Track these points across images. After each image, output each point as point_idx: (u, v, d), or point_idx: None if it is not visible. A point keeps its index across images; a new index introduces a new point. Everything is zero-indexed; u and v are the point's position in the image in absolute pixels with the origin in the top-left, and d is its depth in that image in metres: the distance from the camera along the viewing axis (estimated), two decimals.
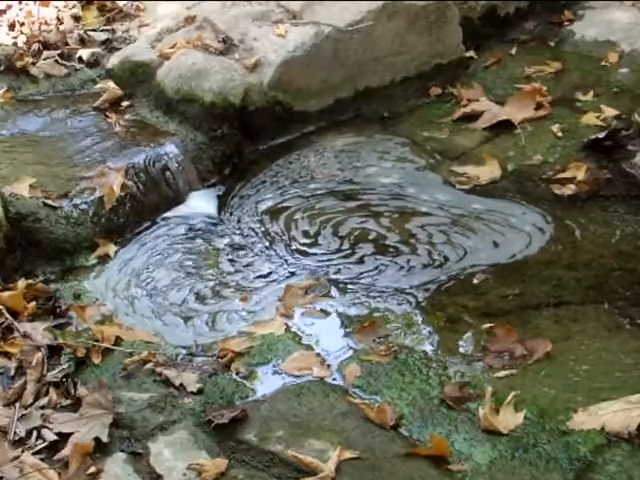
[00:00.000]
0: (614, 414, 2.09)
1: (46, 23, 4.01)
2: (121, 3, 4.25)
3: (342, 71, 3.54)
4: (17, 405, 2.25)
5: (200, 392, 2.30)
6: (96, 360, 2.41)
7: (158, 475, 2.05)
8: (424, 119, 3.55)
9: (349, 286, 2.74)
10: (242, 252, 2.94)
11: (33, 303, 2.63)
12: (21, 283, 2.69)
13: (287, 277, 2.80)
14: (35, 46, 3.85)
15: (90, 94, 3.65)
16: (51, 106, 3.59)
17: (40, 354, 2.41)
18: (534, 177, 3.15)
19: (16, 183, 2.94)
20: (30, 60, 3.80)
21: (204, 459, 2.07)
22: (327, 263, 2.85)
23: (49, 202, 2.91)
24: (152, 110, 3.47)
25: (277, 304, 2.67)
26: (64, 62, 3.83)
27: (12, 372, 2.37)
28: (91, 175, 3.06)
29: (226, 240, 3.00)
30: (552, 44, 3.96)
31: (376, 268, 2.80)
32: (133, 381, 2.33)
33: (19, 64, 3.78)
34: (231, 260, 2.91)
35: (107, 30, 4.08)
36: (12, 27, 4.00)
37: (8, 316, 2.55)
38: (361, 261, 2.85)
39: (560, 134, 3.33)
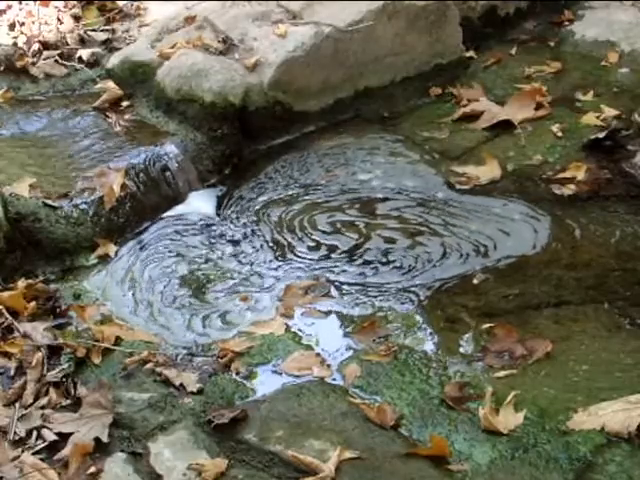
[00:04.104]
0: (614, 414, 2.09)
1: (46, 23, 4.01)
2: (121, 3, 4.25)
3: (342, 71, 3.54)
4: (17, 405, 2.26)
5: (200, 392, 2.30)
6: (96, 360, 2.41)
7: (158, 475, 2.05)
8: (424, 119, 3.55)
9: (349, 286, 2.74)
10: (242, 252, 2.94)
11: (33, 303, 2.63)
12: (21, 283, 2.69)
13: (287, 277, 2.80)
14: (35, 46, 3.85)
15: (90, 94, 3.65)
16: (51, 106, 3.59)
17: (40, 354, 2.41)
18: (534, 177, 3.15)
19: (16, 183, 2.94)
20: (30, 60, 3.80)
21: (204, 459, 2.07)
22: (328, 263, 2.84)
23: (49, 202, 2.91)
24: (152, 110, 3.47)
25: (277, 304, 2.68)
26: (64, 62, 3.84)
27: (12, 372, 2.38)
28: (91, 175, 3.06)
29: (226, 240, 3.00)
30: (552, 44, 3.96)
31: (379, 266, 2.81)
32: (133, 381, 2.34)
33: (19, 64, 3.78)
34: (231, 260, 2.91)
35: (107, 30, 4.09)
36: (12, 27, 4.00)
37: (8, 316, 2.55)
38: (367, 260, 2.84)
39: (560, 134, 3.33)
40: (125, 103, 3.54)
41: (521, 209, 3.00)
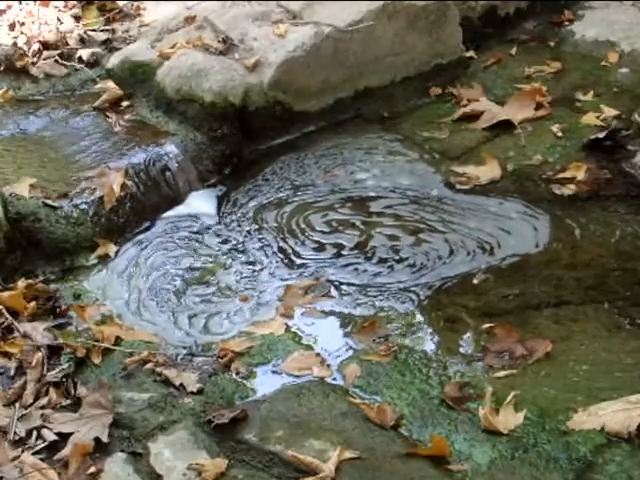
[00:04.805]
0: (614, 414, 2.09)
1: (46, 23, 4.01)
2: (121, 3, 4.25)
3: (342, 71, 3.54)
4: (17, 405, 2.26)
5: (200, 392, 2.30)
6: (96, 360, 2.41)
7: (158, 475, 2.05)
8: (424, 119, 3.55)
9: (349, 286, 2.74)
10: (242, 252, 2.94)
11: (33, 303, 2.63)
12: (21, 283, 2.69)
13: (287, 277, 2.80)
14: (35, 46, 3.85)
15: (90, 94, 3.65)
16: (51, 106, 3.59)
17: (40, 354, 2.41)
18: (534, 177, 3.15)
19: (16, 183, 2.94)
20: (30, 60, 3.80)
21: (204, 459, 2.07)
22: (328, 264, 2.84)
23: (49, 202, 2.91)
24: (152, 110, 3.47)
25: (277, 304, 2.68)
26: (64, 62, 3.84)
27: (12, 372, 2.38)
28: (91, 175, 3.06)
29: (226, 240, 3.00)
30: (552, 44, 3.96)
31: (388, 266, 2.81)
32: (133, 381, 2.34)
33: (19, 64, 3.78)
34: (231, 260, 2.91)
35: (107, 30, 4.08)
36: (12, 27, 4.00)
37: (8, 316, 2.55)
38: (372, 260, 2.84)
39: (560, 134, 3.32)
40: (125, 103, 3.54)
41: (518, 207, 3.00)
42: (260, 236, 3.01)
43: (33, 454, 2.10)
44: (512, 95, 3.57)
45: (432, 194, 3.12)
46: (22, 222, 2.86)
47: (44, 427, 2.18)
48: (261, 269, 2.85)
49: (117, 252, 2.94)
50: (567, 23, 4.06)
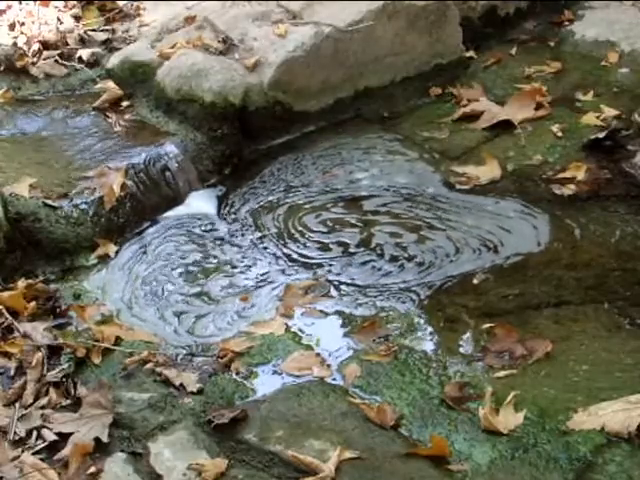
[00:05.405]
0: (614, 414, 2.08)
1: (46, 23, 4.01)
2: (121, 3, 4.25)
3: (342, 71, 3.54)
4: (17, 405, 2.26)
5: (200, 392, 2.30)
6: (96, 360, 2.41)
7: (158, 475, 2.05)
8: (424, 119, 3.56)
9: (349, 287, 2.74)
10: (242, 252, 2.94)
11: (33, 303, 2.63)
12: (21, 283, 2.69)
13: (287, 277, 2.80)
14: (35, 46, 3.85)
15: (90, 94, 3.65)
16: (51, 106, 3.59)
17: (40, 354, 2.41)
18: (534, 177, 3.15)
19: (16, 183, 2.94)
20: (30, 60, 3.80)
21: (204, 459, 2.07)
22: (328, 264, 2.84)
23: (49, 202, 2.91)
24: (152, 110, 3.47)
25: (277, 304, 2.67)
26: (64, 62, 3.84)
27: (12, 372, 2.38)
28: (91, 175, 3.06)
29: (226, 240, 3.00)
30: (552, 44, 3.96)
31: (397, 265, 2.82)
32: (133, 381, 2.34)
33: (19, 64, 3.78)
34: (231, 260, 2.91)
35: (107, 30, 4.08)
36: (12, 27, 4.00)
37: (8, 316, 2.55)
38: (378, 260, 2.85)
39: (560, 134, 3.33)
40: (125, 103, 3.54)
41: (517, 207, 3.01)
42: (260, 236, 3.01)
43: (33, 454, 2.10)
44: (512, 95, 3.57)
45: (428, 192, 3.12)
46: (22, 222, 2.86)
47: (44, 427, 2.18)
48: (261, 269, 2.85)
49: (117, 252, 2.94)
50: (567, 23, 4.06)
